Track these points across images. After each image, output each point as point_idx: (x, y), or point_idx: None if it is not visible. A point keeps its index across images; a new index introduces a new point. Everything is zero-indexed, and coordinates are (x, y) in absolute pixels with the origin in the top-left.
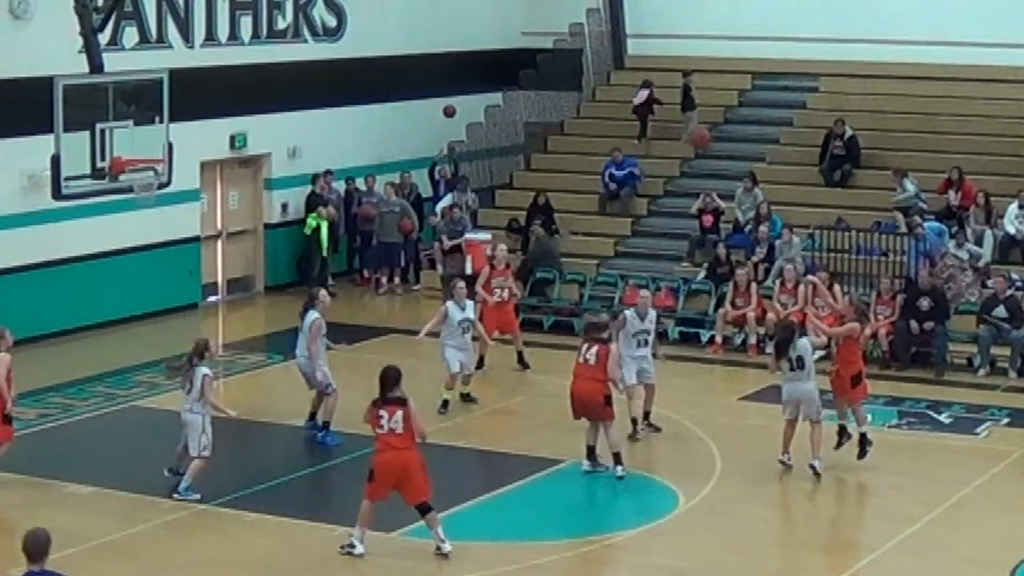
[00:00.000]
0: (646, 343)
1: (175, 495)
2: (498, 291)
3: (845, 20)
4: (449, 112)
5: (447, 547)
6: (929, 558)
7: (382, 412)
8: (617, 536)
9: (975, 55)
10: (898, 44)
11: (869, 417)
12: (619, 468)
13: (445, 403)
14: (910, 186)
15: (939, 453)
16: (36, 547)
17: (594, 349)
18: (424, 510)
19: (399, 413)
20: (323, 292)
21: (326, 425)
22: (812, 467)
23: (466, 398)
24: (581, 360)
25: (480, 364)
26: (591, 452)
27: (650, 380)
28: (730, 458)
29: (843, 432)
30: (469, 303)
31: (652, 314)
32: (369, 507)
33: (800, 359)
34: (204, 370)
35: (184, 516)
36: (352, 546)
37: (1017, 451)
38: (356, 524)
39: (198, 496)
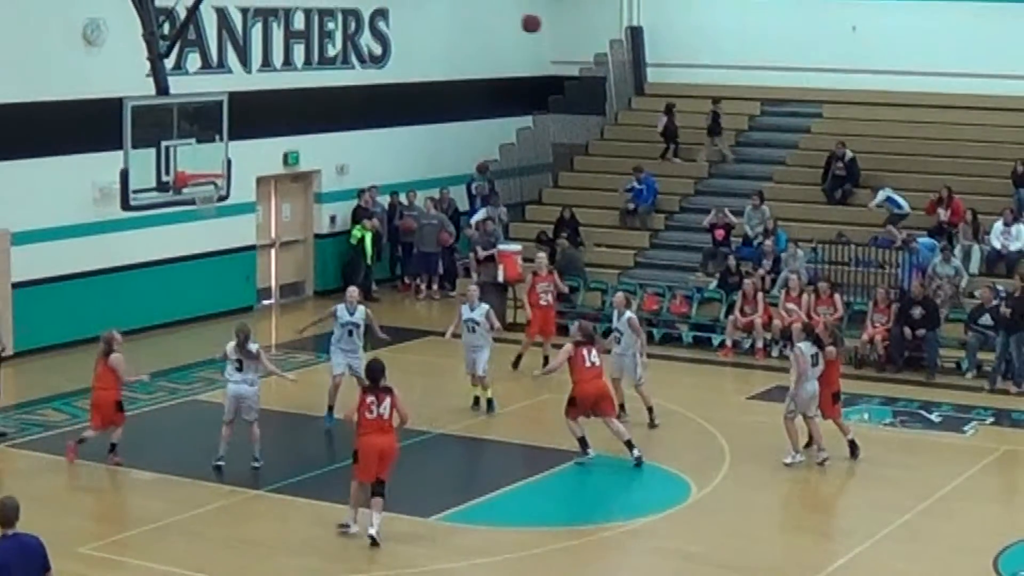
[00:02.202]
0: (619, 341)
1: (254, 463)
2: (543, 295)
3: (847, 52)
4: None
5: (374, 531)
6: (920, 545)
7: (372, 399)
8: (634, 522)
9: (965, 85)
10: (895, 74)
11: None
12: (635, 451)
13: (476, 400)
14: (881, 193)
15: (929, 449)
16: (6, 514)
17: (595, 351)
18: (377, 490)
19: (387, 400)
20: (350, 288)
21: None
22: (823, 461)
23: (488, 402)
24: (588, 364)
25: (516, 364)
26: (585, 442)
27: (635, 381)
28: (738, 452)
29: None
30: (481, 305)
31: (627, 314)
32: (358, 488)
33: (817, 356)
34: (255, 345)
35: (239, 501)
36: (346, 525)
37: (1001, 448)
38: (350, 506)
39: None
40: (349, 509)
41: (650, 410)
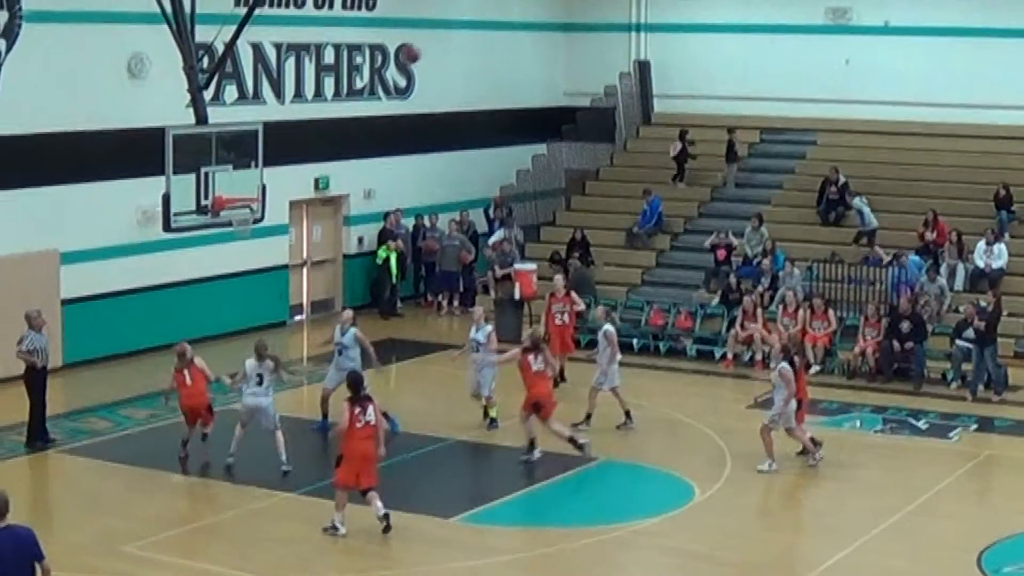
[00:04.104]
0: (600, 351)
1: (285, 469)
2: (558, 315)
3: (840, 85)
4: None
5: (382, 511)
6: (909, 542)
7: (358, 409)
8: (641, 523)
9: (949, 114)
10: (885, 105)
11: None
12: (535, 452)
13: (492, 420)
14: (857, 201)
15: (917, 454)
16: None
17: (540, 357)
18: (366, 492)
19: (370, 407)
20: (345, 311)
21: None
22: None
23: (491, 420)
24: (534, 370)
25: (562, 379)
26: (534, 443)
27: (593, 383)
28: (739, 457)
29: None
30: (485, 326)
31: (604, 326)
32: (342, 494)
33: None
34: (270, 361)
35: (271, 503)
36: (336, 528)
37: (983, 453)
38: (336, 509)
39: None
40: (336, 512)
41: (588, 417)
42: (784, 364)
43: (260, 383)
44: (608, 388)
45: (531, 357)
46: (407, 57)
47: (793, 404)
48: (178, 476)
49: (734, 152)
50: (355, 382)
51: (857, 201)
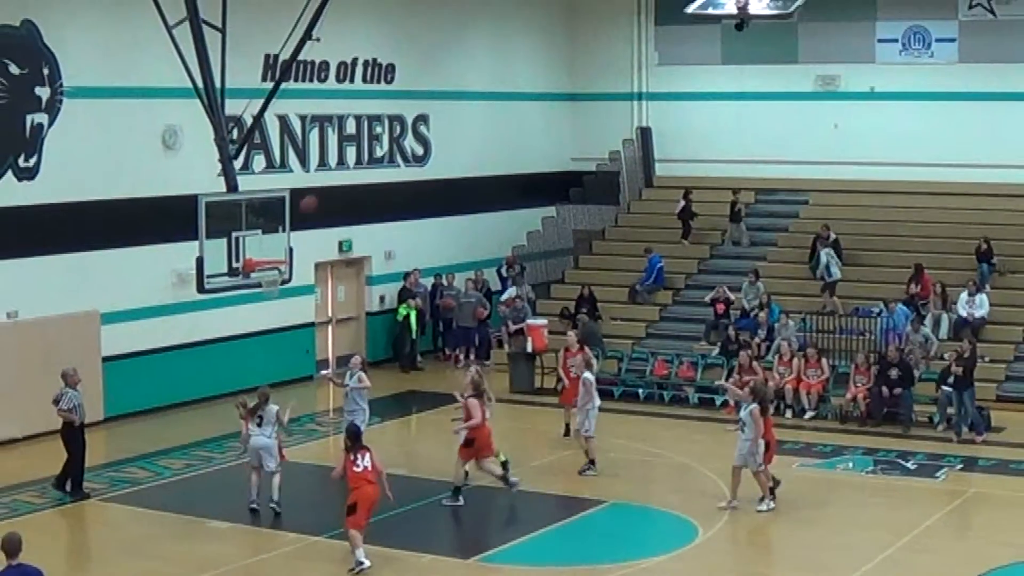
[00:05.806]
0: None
1: (273, 505)
2: (573, 369)
3: (829, 147)
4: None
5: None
6: None
7: (355, 456)
8: (650, 560)
9: (932, 174)
10: (872, 165)
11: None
12: (513, 479)
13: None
14: (823, 256)
15: (907, 493)
16: (11, 547)
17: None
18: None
19: (367, 455)
20: (354, 356)
21: None
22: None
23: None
24: (489, 415)
25: (567, 432)
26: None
27: (582, 430)
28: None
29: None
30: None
31: (585, 374)
32: (356, 533)
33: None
34: (275, 407)
35: (302, 546)
36: (361, 563)
37: (969, 491)
38: (354, 549)
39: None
40: (358, 550)
41: (592, 462)
42: (754, 405)
43: (260, 424)
44: (584, 433)
45: (480, 402)
46: (306, 208)
47: (762, 445)
48: (214, 521)
49: (737, 212)
50: (353, 434)
51: (823, 254)
